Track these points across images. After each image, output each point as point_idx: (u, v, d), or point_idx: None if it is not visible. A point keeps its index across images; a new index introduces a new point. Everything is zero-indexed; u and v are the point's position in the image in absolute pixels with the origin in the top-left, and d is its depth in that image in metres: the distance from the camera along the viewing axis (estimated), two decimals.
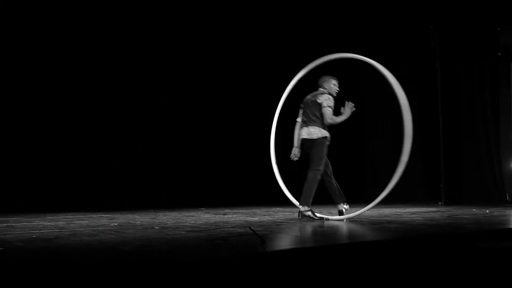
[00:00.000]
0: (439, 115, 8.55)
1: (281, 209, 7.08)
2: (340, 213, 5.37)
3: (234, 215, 5.90)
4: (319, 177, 5.20)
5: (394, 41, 9.60)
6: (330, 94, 5.41)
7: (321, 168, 5.22)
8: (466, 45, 8.62)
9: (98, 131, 8.00)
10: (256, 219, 5.34)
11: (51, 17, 7.54)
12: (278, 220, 5.12)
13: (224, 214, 6.08)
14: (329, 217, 5.28)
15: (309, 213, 5.10)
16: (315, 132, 5.27)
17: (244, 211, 6.71)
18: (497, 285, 2.67)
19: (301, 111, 5.48)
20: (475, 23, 8.46)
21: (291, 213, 6.18)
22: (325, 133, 5.28)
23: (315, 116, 5.30)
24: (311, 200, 5.13)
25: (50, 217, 5.54)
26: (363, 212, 5.19)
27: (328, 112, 5.23)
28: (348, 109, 5.17)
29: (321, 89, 5.46)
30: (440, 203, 8.16)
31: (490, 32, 8.42)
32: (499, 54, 8.39)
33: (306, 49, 9.43)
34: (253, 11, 9.05)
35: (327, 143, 5.30)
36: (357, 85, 10.19)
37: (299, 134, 5.44)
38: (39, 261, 2.61)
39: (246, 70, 9.41)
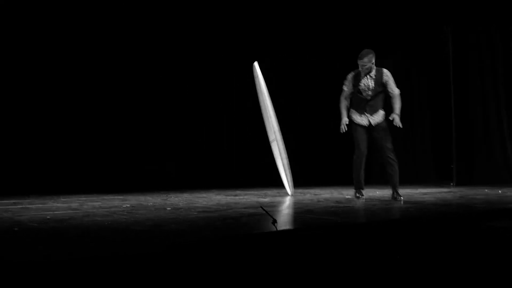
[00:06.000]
0: (451, 97, 8.49)
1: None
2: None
3: (245, 196, 5.93)
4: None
5: (408, 28, 9.50)
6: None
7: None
8: (478, 28, 8.52)
9: (111, 112, 8.03)
10: (267, 199, 5.36)
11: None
12: (289, 201, 5.14)
13: (235, 195, 6.11)
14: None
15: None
16: None
17: (255, 192, 6.73)
18: (507, 263, 2.67)
19: None
20: (487, 9, 8.36)
21: (302, 194, 6.19)
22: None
23: None
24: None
25: (64, 199, 5.59)
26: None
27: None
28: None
29: None
30: (452, 184, 8.13)
31: (502, 16, 8.33)
32: None
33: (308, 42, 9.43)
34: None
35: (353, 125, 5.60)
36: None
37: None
38: (53, 240, 2.65)
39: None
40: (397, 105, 5.36)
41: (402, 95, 5.43)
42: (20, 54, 7.49)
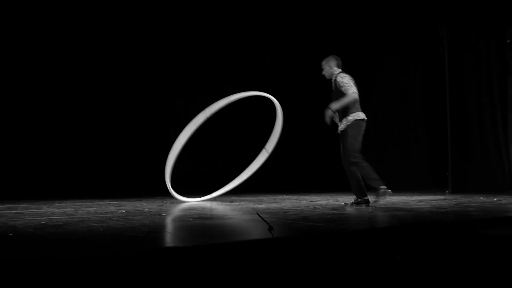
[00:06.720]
0: (446, 103, 8.49)
1: (287, 196, 7.09)
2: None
3: (241, 203, 5.92)
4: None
5: (403, 30, 9.51)
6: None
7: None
8: (474, 31, 8.54)
9: (104, 119, 8.03)
10: (263, 206, 5.35)
11: None
12: (285, 207, 5.13)
13: (231, 202, 6.10)
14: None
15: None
16: None
17: (251, 198, 6.72)
18: (503, 271, 2.67)
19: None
20: (484, 11, 8.39)
21: (298, 201, 6.19)
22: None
23: None
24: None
25: (59, 204, 5.57)
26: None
27: None
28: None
29: None
30: (447, 192, 8.12)
31: (498, 19, 8.35)
32: (508, 41, 8.32)
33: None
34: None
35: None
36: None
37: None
38: (48, 246, 2.64)
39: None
40: (340, 100, 5.03)
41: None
42: (15, 61, 7.50)
